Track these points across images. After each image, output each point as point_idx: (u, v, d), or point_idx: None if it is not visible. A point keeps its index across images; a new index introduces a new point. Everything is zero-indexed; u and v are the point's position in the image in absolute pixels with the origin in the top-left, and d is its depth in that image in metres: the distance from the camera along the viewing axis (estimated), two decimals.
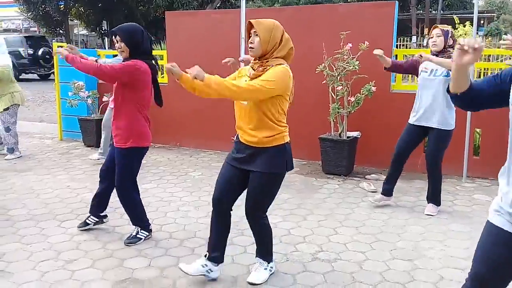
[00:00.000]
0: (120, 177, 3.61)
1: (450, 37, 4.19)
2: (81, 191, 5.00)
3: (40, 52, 19.87)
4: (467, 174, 5.45)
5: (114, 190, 3.72)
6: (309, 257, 3.44)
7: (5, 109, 6.30)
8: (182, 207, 4.54)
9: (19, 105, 6.47)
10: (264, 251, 3.09)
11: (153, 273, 3.20)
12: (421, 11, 25.23)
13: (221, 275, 3.12)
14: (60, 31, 27.49)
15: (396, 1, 5.75)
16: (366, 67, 5.46)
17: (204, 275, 3.01)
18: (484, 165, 5.50)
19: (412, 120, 4.34)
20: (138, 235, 3.71)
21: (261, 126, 2.76)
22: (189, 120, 7.06)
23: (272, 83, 2.64)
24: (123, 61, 3.52)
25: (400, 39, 18.03)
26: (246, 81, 2.75)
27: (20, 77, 19.09)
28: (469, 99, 1.86)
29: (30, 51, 19.72)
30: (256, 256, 3.11)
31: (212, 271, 3.02)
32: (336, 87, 5.50)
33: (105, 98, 7.14)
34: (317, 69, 5.60)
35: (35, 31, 32.84)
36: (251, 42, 2.72)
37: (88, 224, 3.90)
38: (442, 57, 4.09)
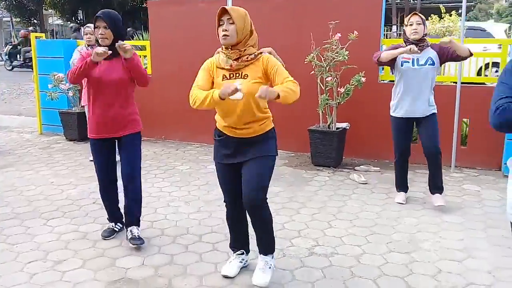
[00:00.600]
0: (136, 165, 3.52)
1: (425, 25, 4.16)
2: (65, 187, 4.85)
3: None
4: (455, 164, 5.47)
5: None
6: (305, 252, 3.39)
7: None
8: (172, 203, 4.43)
9: None
10: (270, 243, 2.96)
11: (147, 272, 3.10)
12: (399, 1, 25.36)
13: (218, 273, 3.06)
14: (34, 20, 26.73)
15: None
16: (355, 57, 5.41)
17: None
18: (472, 155, 5.53)
19: (399, 113, 4.20)
20: (140, 235, 3.51)
21: (255, 116, 2.75)
22: (174, 112, 6.92)
23: None
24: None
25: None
26: (228, 77, 2.69)
27: None
28: None
29: None
30: (260, 253, 2.96)
31: (247, 261, 3.14)
32: (326, 78, 5.44)
33: None
34: (305, 60, 5.52)
35: (8, 20, 31.87)
36: (226, 30, 2.60)
37: (116, 231, 3.70)
38: (421, 46, 4.03)
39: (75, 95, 6.85)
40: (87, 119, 3.82)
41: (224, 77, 2.71)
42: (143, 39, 10.40)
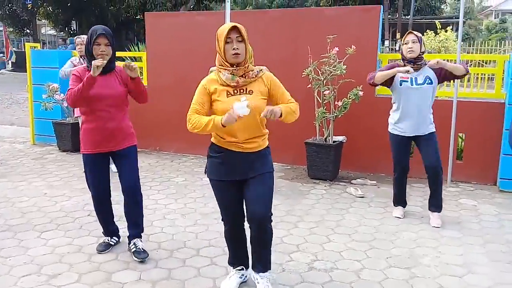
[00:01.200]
0: (137, 177, 3.50)
1: (423, 43, 4.12)
2: (59, 199, 4.77)
3: None
4: (451, 179, 5.48)
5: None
6: (305, 267, 3.35)
7: None
8: (168, 215, 4.38)
9: None
10: (268, 260, 2.94)
11: (144, 287, 3.04)
12: (391, 16, 25.66)
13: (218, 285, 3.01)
14: (27, 30, 26.67)
15: (382, 5, 5.75)
16: (351, 71, 5.43)
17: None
18: (467, 169, 5.55)
19: (399, 131, 4.15)
20: (144, 248, 3.47)
21: (258, 131, 2.78)
22: (169, 124, 6.88)
23: None
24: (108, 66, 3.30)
25: None
26: (232, 93, 2.70)
27: None
28: None
29: None
30: (259, 272, 2.92)
31: (246, 276, 3.09)
32: (323, 91, 5.45)
33: None
34: (303, 73, 5.53)
35: (1, 30, 31.77)
36: (237, 48, 2.61)
37: (111, 245, 3.63)
38: (418, 64, 4.01)
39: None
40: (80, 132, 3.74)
41: (229, 93, 2.69)
42: (138, 50, 10.36)
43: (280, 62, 6.02)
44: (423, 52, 4.07)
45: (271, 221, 2.84)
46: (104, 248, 3.56)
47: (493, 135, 5.38)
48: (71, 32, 27.09)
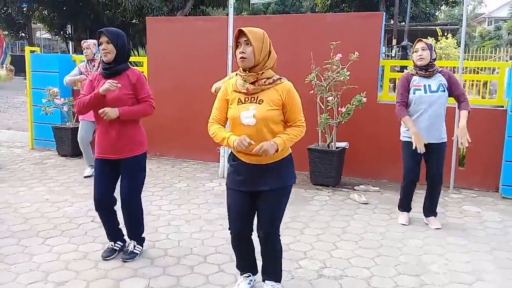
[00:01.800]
0: (136, 188, 3.47)
1: (434, 50, 4.14)
2: (61, 204, 4.72)
3: None
4: (453, 185, 5.49)
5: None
6: (314, 274, 3.33)
7: None
8: (173, 222, 4.34)
9: None
10: (279, 271, 2.94)
11: None
12: (386, 23, 25.79)
13: None
14: (22, 34, 26.54)
15: (384, 12, 5.77)
16: (354, 77, 5.44)
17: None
18: (469, 176, 5.56)
19: (411, 139, 4.07)
20: (135, 250, 3.53)
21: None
22: (169, 129, 6.86)
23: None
24: (105, 65, 3.31)
25: None
26: (242, 101, 2.62)
27: None
28: None
29: None
30: (266, 280, 2.93)
31: (255, 280, 3.06)
32: (326, 97, 5.45)
33: None
34: (306, 79, 5.53)
35: None
36: (243, 52, 2.53)
37: (116, 250, 3.57)
38: (430, 71, 4.03)
39: (70, 110, 6.75)
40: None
41: (239, 101, 2.62)
42: (138, 55, 10.33)
43: (282, 67, 5.98)
44: (434, 59, 4.08)
45: (279, 238, 2.85)
46: (109, 253, 3.51)
47: (495, 142, 5.40)
48: (67, 36, 26.99)
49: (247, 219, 2.79)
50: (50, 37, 33.00)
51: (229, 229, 2.87)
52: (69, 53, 25.20)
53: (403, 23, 25.47)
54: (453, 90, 4.10)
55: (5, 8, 23.47)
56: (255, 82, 2.58)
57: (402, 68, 8.80)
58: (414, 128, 4.00)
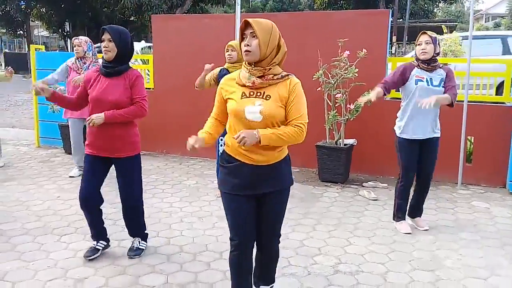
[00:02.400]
0: (136, 188, 3.47)
1: (438, 44, 3.97)
2: (73, 202, 4.73)
3: None
4: (461, 181, 5.53)
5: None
6: (330, 270, 3.36)
7: None
8: (185, 218, 4.37)
9: None
10: (273, 275, 2.80)
11: None
12: None
13: None
14: (21, 32, 26.45)
15: (390, 9, 5.79)
16: (361, 74, 5.46)
17: None
18: (477, 172, 5.60)
19: (410, 135, 3.97)
20: (140, 246, 3.57)
21: None
22: (176, 126, 6.86)
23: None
24: (106, 64, 3.28)
25: None
26: (247, 95, 2.40)
27: None
28: None
29: None
30: (261, 285, 2.78)
31: None
32: (335, 94, 5.48)
33: None
34: (314, 76, 5.55)
35: None
36: (248, 45, 2.33)
37: (99, 249, 3.53)
38: (433, 65, 3.90)
39: None
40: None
41: (244, 95, 2.40)
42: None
43: (288, 65, 6.02)
44: (437, 53, 3.92)
45: (279, 241, 2.70)
46: (92, 253, 3.45)
47: (502, 138, 5.43)
48: (65, 33, 26.94)
49: (252, 226, 2.53)
50: (48, 35, 32.90)
51: (230, 238, 2.54)
52: (67, 50, 25.13)
53: (401, 20, 25.56)
54: (445, 81, 3.93)
55: (3, 6, 23.35)
56: (262, 77, 2.38)
57: None
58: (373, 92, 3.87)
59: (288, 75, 2.44)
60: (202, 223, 4.26)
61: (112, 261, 3.45)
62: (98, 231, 3.55)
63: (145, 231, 3.68)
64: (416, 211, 4.26)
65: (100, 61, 5.57)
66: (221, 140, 4.87)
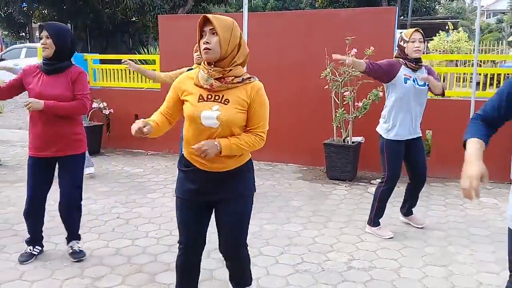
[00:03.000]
0: (79, 187, 3.48)
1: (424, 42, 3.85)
2: (85, 202, 4.67)
3: None
4: None
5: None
6: (343, 266, 3.39)
7: None
8: None
9: None
10: (248, 276, 2.68)
11: None
12: None
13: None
14: (23, 33, 26.51)
15: (397, 6, 5.82)
16: None
17: None
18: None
19: (398, 136, 3.81)
20: (82, 249, 3.53)
21: None
22: (181, 126, 6.89)
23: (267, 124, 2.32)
24: (46, 61, 3.20)
25: None
26: (205, 98, 2.24)
27: None
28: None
29: None
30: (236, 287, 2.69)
31: None
32: (343, 92, 5.51)
33: (94, 104, 6.91)
34: (321, 75, 5.58)
35: None
36: (207, 42, 2.16)
37: (34, 255, 3.49)
38: (419, 64, 3.74)
39: None
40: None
41: (201, 98, 2.24)
42: (139, 53, 10.36)
43: (296, 63, 6.09)
44: (422, 53, 3.82)
45: (246, 249, 2.52)
46: (27, 258, 3.41)
47: (509, 134, 5.46)
48: None
49: (200, 234, 2.46)
50: None
51: (178, 242, 2.50)
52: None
53: (402, 17, 25.56)
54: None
55: (5, 8, 23.40)
56: (221, 79, 2.22)
57: None
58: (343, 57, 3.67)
59: (250, 78, 2.27)
60: (213, 222, 4.28)
61: (127, 259, 3.49)
62: (38, 236, 3.56)
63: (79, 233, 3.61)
64: (410, 210, 4.22)
65: None
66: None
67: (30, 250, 3.49)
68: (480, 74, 5.90)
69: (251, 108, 2.25)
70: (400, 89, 3.73)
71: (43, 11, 25.28)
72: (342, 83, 5.54)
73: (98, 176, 5.73)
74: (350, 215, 4.48)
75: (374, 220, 4.00)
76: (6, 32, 25.98)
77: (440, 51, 9.72)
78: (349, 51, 5.45)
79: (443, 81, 6.01)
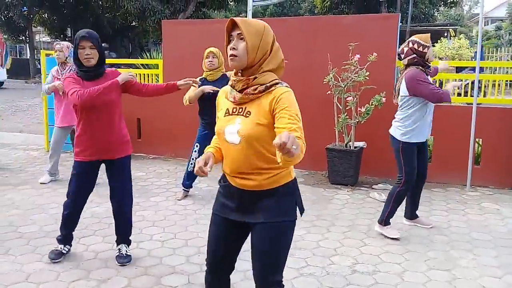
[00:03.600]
0: (131, 188, 3.54)
1: None
2: (88, 205, 4.64)
3: None
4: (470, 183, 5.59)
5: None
6: (348, 270, 3.41)
7: None
8: (201, 220, 4.42)
9: None
10: None
11: None
12: None
13: None
14: (22, 37, 26.57)
15: (399, 13, 5.87)
16: (370, 77, 5.53)
17: None
18: (485, 174, 5.66)
19: (418, 139, 3.98)
20: (128, 253, 3.56)
21: (260, 166, 2.05)
22: (184, 130, 6.90)
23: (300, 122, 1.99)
24: (85, 69, 3.24)
25: None
26: (230, 112, 2.07)
27: None
28: None
29: None
30: None
31: None
32: (346, 97, 5.55)
33: None
34: (324, 80, 5.62)
35: None
36: (233, 48, 1.99)
37: (64, 254, 3.55)
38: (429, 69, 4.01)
39: None
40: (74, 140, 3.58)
41: (227, 112, 2.09)
42: (139, 58, 10.41)
43: (299, 69, 6.11)
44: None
45: (279, 285, 2.16)
46: (57, 256, 3.48)
47: (510, 140, 5.50)
48: (67, 39, 27.03)
49: (228, 251, 2.25)
50: (50, 41, 33.01)
51: (206, 260, 2.32)
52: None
53: (401, 23, 25.71)
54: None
55: (6, 12, 23.45)
56: (244, 90, 2.02)
57: None
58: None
59: (276, 84, 2.01)
60: None
61: (133, 262, 3.50)
62: (71, 236, 3.62)
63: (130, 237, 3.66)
64: (414, 212, 4.34)
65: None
66: (196, 146, 4.96)
67: (61, 248, 3.54)
68: (481, 80, 5.93)
69: (275, 110, 1.96)
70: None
71: (44, 15, 25.39)
72: (345, 88, 5.58)
73: (100, 180, 5.73)
74: (353, 219, 4.51)
75: (385, 220, 4.08)
76: (6, 36, 25.99)
77: (443, 57, 9.84)
78: (352, 57, 5.49)
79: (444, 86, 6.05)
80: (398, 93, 4.08)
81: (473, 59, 8.80)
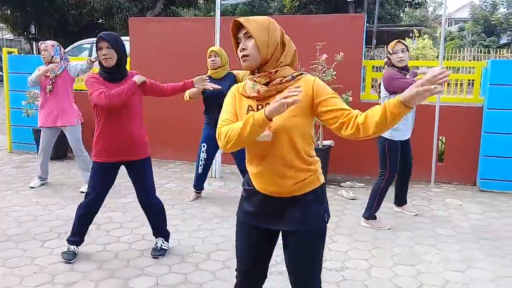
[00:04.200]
0: (154, 187, 3.59)
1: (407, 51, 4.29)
2: (53, 207, 4.68)
3: None
4: (434, 180, 5.74)
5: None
6: None
7: None
8: (169, 221, 4.32)
9: None
10: None
11: None
12: None
13: None
14: None
15: (366, 13, 5.96)
16: (338, 77, 5.60)
17: None
18: (449, 170, 5.83)
19: (405, 136, 4.30)
20: (163, 247, 3.63)
21: (289, 169, 1.95)
22: (154, 131, 6.81)
23: None
24: (107, 70, 3.28)
25: None
26: (255, 109, 1.96)
27: None
28: None
29: None
30: None
31: None
32: None
33: None
34: None
35: None
36: (244, 48, 1.93)
37: (76, 254, 3.54)
38: (407, 71, 4.21)
39: None
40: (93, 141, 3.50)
41: (250, 108, 1.97)
42: None
43: None
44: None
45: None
46: (72, 257, 3.47)
47: (472, 138, 5.68)
48: (30, 36, 26.26)
49: (259, 259, 2.17)
50: (13, 38, 32.05)
51: (236, 270, 2.23)
52: (33, 53, 24.52)
53: (367, 24, 26.12)
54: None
55: None
56: (269, 83, 1.94)
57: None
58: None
59: (300, 74, 1.97)
60: (186, 225, 4.28)
61: (99, 265, 3.44)
62: (83, 237, 3.61)
63: (168, 234, 3.74)
64: (402, 200, 4.72)
65: (73, 63, 5.50)
66: (203, 146, 4.91)
67: (74, 249, 3.53)
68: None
69: (319, 97, 1.91)
70: None
71: (6, 12, 24.57)
72: None
73: (66, 182, 5.62)
74: None
75: (372, 214, 4.31)
76: None
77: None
78: (319, 57, 5.54)
79: None
80: (379, 95, 4.35)
81: (437, 59, 9.12)
